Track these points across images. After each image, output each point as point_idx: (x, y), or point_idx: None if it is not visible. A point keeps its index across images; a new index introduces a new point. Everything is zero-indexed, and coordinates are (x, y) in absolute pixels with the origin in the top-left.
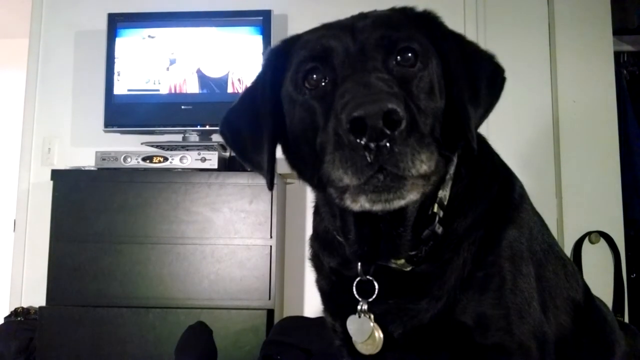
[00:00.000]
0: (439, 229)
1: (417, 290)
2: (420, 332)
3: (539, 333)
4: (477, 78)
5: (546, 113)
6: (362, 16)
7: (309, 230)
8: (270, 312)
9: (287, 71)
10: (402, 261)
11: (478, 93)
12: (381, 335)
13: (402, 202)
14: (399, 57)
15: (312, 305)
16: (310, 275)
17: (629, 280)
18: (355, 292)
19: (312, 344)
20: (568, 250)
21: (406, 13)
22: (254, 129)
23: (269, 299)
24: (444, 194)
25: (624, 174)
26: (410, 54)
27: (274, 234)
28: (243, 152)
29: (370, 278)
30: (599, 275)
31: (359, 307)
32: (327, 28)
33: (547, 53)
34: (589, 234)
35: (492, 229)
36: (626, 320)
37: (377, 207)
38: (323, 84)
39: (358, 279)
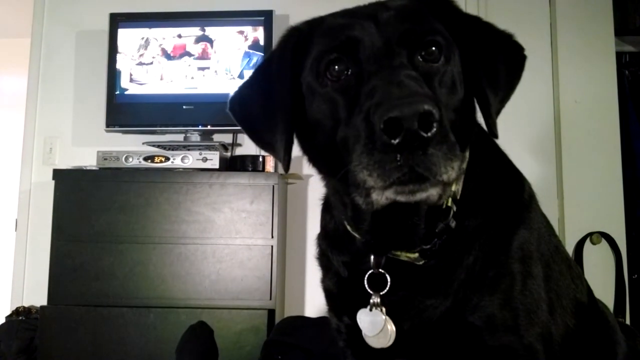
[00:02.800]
0: (452, 223)
1: (427, 286)
2: (428, 329)
3: (546, 335)
4: (496, 60)
5: (548, 113)
6: (383, 6)
7: (310, 231)
8: (271, 312)
9: (307, 55)
10: (416, 255)
11: (497, 76)
12: (393, 328)
13: (424, 195)
14: (423, 52)
15: (313, 305)
16: (311, 275)
17: (630, 281)
18: (366, 285)
19: (313, 344)
20: (569, 251)
21: (424, 0)
22: (267, 109)
23: (270, 299)
24: (457, 188)
25: (625, 174)
26: (434, 48)
27: (275, 234)
28: (253, 131)
29: (382, 271)
30: (600, 276)
31: (371, 301)
32: (350, 16)
33: (549, 53)
34: (590, 234)
35: (503, 228)
36: (627, 321)
37: (401, 198)
38: (345, 76)
39: (370, 271)
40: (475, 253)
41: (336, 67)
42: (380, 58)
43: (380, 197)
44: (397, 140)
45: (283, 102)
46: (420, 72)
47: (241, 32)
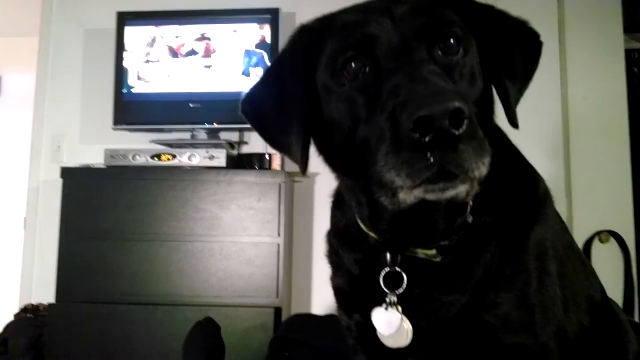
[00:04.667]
0: (470, 219)
1: (444, 283)
2: (444, 327)
3: (561, 333)
4: (512, 49)
5: (556, 110)
6: (396, 0)
7: (317, 228)
8: (278, 310)
9: (321, 54)
10: (434, 252)
11: (514, 65)
12: (410, 328)
13: (454, 192)
14: (442, 46)
15: (320, 303)
16: (318, 273)
17: (639, 280)
18: (382, 284)
19: (321, 342)
20: None
21: None
22: (281, 110)
23: (277, 296)
24: None
25: (635, 173)
26: (453, 41)
27: (282, 232)
28: (267, 133)
29: (399, 270)
30: (609, 275)
31: (387, 300)
32: (363, 12)
33: (557, 50)
34: (599, 233)
35: (520, 225)
36: (636, 320)
37: (431, 197)
38: (363, 74)
39: (387, 270)
40: (492, 250)
41: (353, 65)
42: (399, 54)
43: (409, 196)
44: (427, 139)
45: (298, 103)
46: (440, 66)
47: (247, 31)
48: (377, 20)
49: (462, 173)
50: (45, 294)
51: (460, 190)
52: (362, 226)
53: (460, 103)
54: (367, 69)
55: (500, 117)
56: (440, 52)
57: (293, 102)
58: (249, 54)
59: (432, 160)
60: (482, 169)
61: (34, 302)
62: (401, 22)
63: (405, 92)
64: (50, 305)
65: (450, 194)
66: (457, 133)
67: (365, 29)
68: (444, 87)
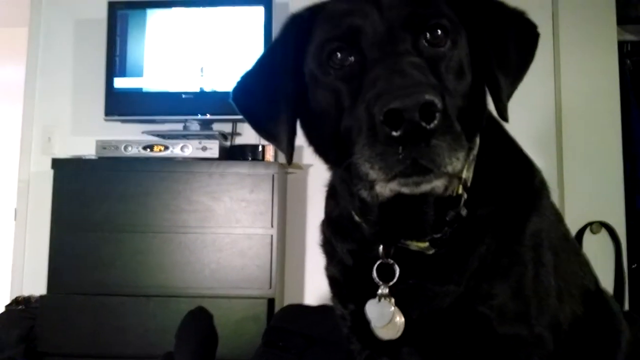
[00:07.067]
0: (464, 211)
1: (437, 274)
2: (438, 317)
3: (555, 323)
4: (506, 40)
5: (549, 103)
6: None
7: (310, 220)
8: (270, 301)
9: (310, 43)
10: (426, 244)
11: (507, 57)
12: (402, 320)
13: (428, 187)
14: (428, 36)
15: (312, 294)
16: (311, 264)
17: (629, 270)
18: (375, 276)
19: (314, 331)
20: None
21: None
22: (270, 99)
23: (270, 287)
24: (468, 175)
25: (626, 165)
26: (440, 32)
27: (274, 223)
28: (256, 122)
29: (392, 261)
30: (600, 265)
31: (379, 291)
32: (351, 1)
33: (551, 42)
34: (590, 224)
35: (515, 216)
36: (626, 309)
37: (405, 190)
38: (348, 64)
39: (379, 262)
40: (487, 241)
41: (339, 55)
42: (384, 45)
43: (384, 189)
44: (398, 132)
45: (285, 92)
46: (425, 58)
47: (240, 19)
48: (364, 10)
49: (435, 167)
50: (37, 286)
51: (436, 184)
52: (355, 216)
53: (431, 96)
54: (352, 59)
55: (494, 110)
56: (426, 43)
57: (281, 91)
58: (241, 43)
59: (403, 153)
60: (455, 164)
61: (25, 293)
62: (388, 10)
63: (382, 84)
64: (42, 296)
65: (425, 187)
66: (428, 127)
67: (351, 20)
68: (419, 80)
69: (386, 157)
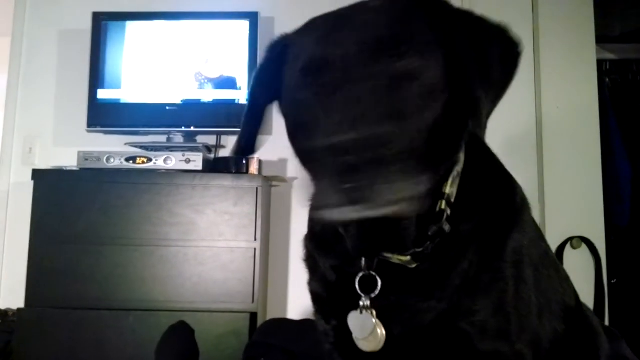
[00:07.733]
0: (446, 227)
1: (419, 289)
2: (420, 333)
3: (536, 340)
4: (488, 57)
5: (530, 118)
6: (362, 8)
7: (294, 233)
8: (253, 315)
9: (287, 67)
10: (408, 258)
11: (489, 74)
12: (383, 332)
13: (377, 213)
14: (397, 58)
15: (295, 308)
16: (294, 278)
17: (609, 285)
18: (357, 288)
19: (296, 346)
20: None
21: None
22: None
23: (253, 302)
24: (452, 190)
25: (605, 181)
26: (411, 53)
27: (258, 237)
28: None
29: (374, 274)
30: (580, 280)
31: (361, 303)
32: (323, 25)
33: (532, 59)
34: (570, 239)
35: (497, 232)
36: (607, 324)
37: (354, 216)
38: (316, 92)
39: (361, 274)
40: (470, 257)
41: (307, 82)
42: (348, 70)
43: (334, 214)
44: (341, 166)
45: (257, 113)
46: (392, 80)
47: (226, 33)
48: (334, 37)
49: (378, 197)
50: (14, 299)
51: (386, 211)
52: (340, 229)
53: (376, 128)
54: (321, 86)
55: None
56: (395, 65)
57: (256, 112)
58: (225, 57)
59: (348, 184)
60: (404, 192)
61: (2, 306)
62: (359, 32)
63: (333, 115)
64: (19, 310)
65: (373, 214)
66: (371, 158)
67: (320, 51)
68: (366, 112)
69: (333, 185)
